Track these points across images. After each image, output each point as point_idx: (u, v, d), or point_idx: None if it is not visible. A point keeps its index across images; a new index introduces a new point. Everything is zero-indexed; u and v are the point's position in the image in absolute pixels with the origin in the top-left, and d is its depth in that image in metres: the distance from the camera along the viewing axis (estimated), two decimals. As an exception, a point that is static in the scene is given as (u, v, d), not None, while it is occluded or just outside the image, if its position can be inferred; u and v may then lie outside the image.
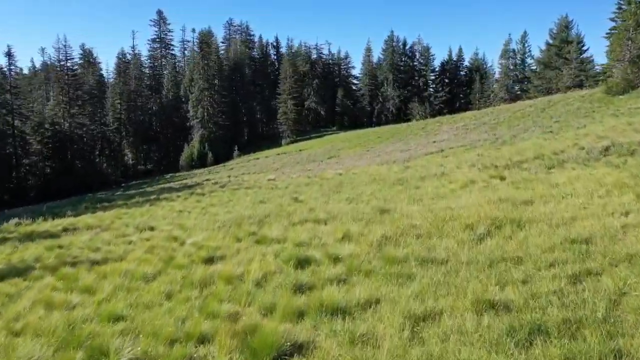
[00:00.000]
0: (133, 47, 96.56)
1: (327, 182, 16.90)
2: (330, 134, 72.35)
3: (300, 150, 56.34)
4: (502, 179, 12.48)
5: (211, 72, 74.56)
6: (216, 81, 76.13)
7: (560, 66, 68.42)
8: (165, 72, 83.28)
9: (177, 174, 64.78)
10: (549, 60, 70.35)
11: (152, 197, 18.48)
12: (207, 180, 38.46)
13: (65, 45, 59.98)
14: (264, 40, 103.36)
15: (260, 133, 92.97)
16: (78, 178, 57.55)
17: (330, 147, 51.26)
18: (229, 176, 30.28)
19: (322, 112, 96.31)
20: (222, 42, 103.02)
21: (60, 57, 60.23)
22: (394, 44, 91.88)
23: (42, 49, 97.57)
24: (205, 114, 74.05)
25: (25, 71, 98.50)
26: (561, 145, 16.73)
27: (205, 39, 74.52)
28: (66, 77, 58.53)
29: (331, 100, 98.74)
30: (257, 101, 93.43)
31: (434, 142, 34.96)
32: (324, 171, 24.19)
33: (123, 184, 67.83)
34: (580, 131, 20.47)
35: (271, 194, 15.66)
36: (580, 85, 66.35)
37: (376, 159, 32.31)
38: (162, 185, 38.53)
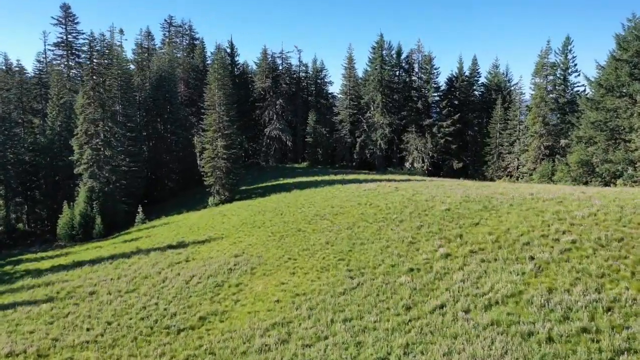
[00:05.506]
0: (45, 52, 73.42)
1: None
2: (285, 185, 48.22)
3: (184, 255, 31.88)
4: None
5: (109, 94, 50.58)
6: (118, 107, 52.15)
7: (635, 93, 43.96)
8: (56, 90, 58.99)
9: (40, 254, 40.95)
10: (615, 83, 45.71)
11: None
12: None
13: None
14: (216, 45, 79.64)
15: (199, 172, 68.79)
16: None
17: (235, 256, 27.14)
18: None
19: (289, 143, 72.15)
20: (160, 47, 79.54)
21: None
22: (383, 52, 67.39)
23: None
24: (102, 156, 50.14)
25: None
26: None
27: (99, 44, 50.32)
28: None
29: (302, 126, 74.67)
30: (197, 128, 69.39)
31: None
32: None
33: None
34: None
35: None
36: (670, 125, 42.05)
37: None
38: None
